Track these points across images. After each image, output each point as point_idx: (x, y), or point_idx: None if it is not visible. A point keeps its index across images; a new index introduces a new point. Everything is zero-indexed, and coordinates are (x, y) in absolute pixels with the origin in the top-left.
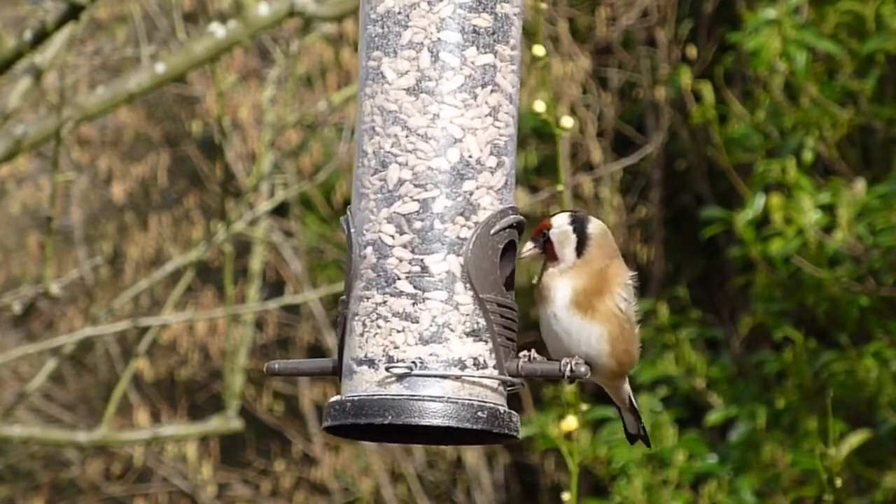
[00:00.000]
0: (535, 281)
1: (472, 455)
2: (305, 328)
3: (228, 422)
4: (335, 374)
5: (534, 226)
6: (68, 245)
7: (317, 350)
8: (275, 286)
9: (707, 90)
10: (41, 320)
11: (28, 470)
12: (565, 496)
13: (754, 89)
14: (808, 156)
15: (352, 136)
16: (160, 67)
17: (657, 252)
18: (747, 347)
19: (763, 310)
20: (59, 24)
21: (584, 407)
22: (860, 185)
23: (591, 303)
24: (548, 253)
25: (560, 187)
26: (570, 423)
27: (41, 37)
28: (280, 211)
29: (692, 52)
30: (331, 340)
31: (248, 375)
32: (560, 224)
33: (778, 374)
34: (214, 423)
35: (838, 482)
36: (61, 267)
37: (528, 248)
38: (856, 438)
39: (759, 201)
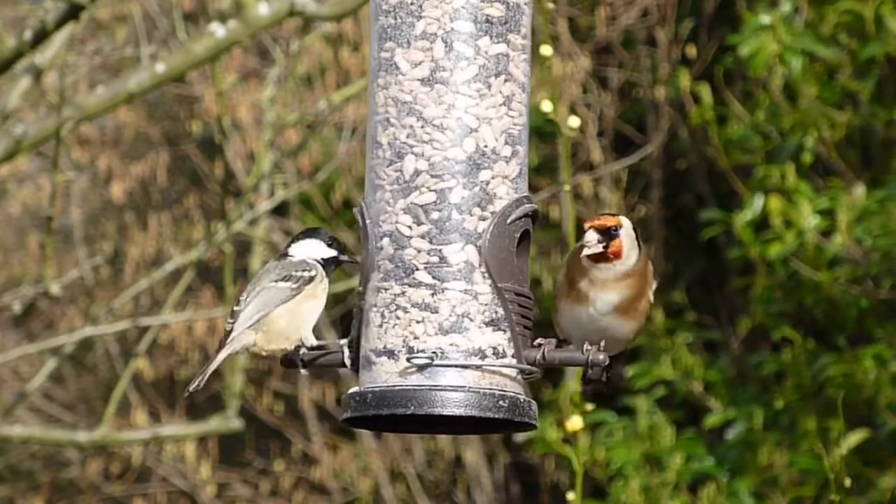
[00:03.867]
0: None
1: (472, 454)
2: None
3: (228, 422)
4: (352, 366)
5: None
6: (68, 245)
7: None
8: None
9: (706, 92)
10: (41, 320)
11: (28, 470)
12: (570, 496)
13: (754, 90)
14: (807, 157)
15: (352, 136)
16: (160, 67)
17: (657, 252)
18: (746, 348)
19: (762, 311)
20: (59, 24)
21: (589, 407)
22: (859, 189)
23: (634, 307)
24: (609, 251)
25: (566, 187)
26: (576, 423)
27: (41, 37)
28: (280, 211)
29: (692, 52)
30: (330, 340)
31: (247, 375)
32: (627, 226)
33: (776, 374)
34: (214, 423)
35: (847, 482)
36: (61, 267)
37: (591, 241)
38: (854, 438)
39: (757, 202)
